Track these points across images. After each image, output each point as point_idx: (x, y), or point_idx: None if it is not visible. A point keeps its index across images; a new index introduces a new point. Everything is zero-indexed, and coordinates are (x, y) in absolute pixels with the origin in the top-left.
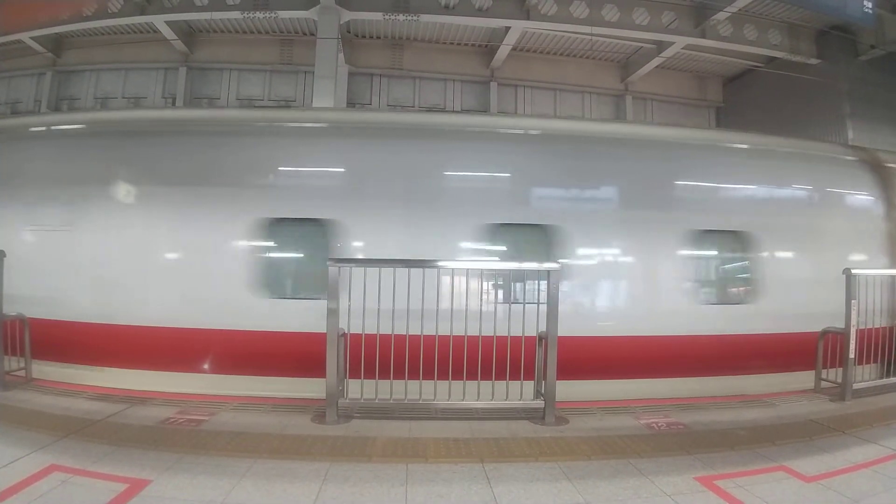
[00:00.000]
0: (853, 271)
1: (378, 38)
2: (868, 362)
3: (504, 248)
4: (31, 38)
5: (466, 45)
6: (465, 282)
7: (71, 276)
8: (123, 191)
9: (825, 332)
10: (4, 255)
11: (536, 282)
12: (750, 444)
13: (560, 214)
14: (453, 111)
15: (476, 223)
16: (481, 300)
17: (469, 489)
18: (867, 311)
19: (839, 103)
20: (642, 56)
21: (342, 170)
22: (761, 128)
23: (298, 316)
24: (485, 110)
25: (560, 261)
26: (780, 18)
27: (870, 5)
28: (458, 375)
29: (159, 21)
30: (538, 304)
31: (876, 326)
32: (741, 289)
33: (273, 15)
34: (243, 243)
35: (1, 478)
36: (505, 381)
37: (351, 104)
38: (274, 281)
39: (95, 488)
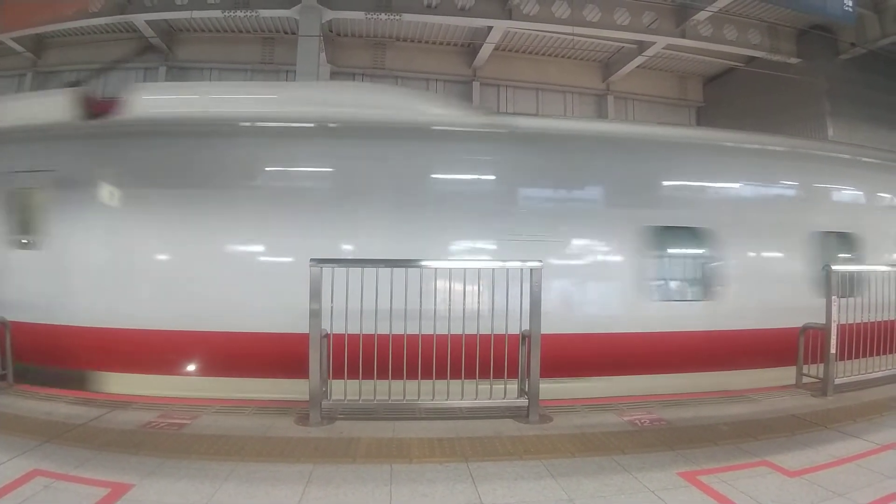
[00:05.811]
0: (833, 267)
1: (360, 37)
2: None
3: None
4: (12, 38)
5: (449, 44)
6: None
7: None
8: None
9: (805, 328)
10: None
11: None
12: (732, 440)
13: None
14: None
15: None
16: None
17: (453, 488)
18: None
19: (819, 102)
20: (624, 56)
21: None
22: (741, 127)
23: None
24: None
25: None
26: (760, 18)
27: (850, 4)
28: (442, 375)
29: (139, 20)
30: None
31: None
32: None
33: (254, 14)
34: None
35: None
36: (489, 381)
37: None
38: None
39: (78, 493)
